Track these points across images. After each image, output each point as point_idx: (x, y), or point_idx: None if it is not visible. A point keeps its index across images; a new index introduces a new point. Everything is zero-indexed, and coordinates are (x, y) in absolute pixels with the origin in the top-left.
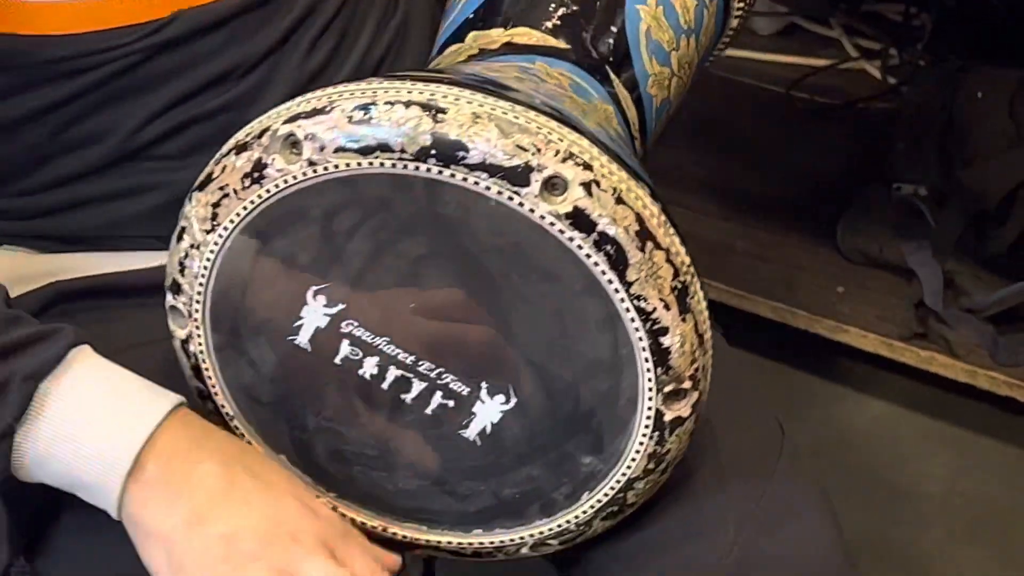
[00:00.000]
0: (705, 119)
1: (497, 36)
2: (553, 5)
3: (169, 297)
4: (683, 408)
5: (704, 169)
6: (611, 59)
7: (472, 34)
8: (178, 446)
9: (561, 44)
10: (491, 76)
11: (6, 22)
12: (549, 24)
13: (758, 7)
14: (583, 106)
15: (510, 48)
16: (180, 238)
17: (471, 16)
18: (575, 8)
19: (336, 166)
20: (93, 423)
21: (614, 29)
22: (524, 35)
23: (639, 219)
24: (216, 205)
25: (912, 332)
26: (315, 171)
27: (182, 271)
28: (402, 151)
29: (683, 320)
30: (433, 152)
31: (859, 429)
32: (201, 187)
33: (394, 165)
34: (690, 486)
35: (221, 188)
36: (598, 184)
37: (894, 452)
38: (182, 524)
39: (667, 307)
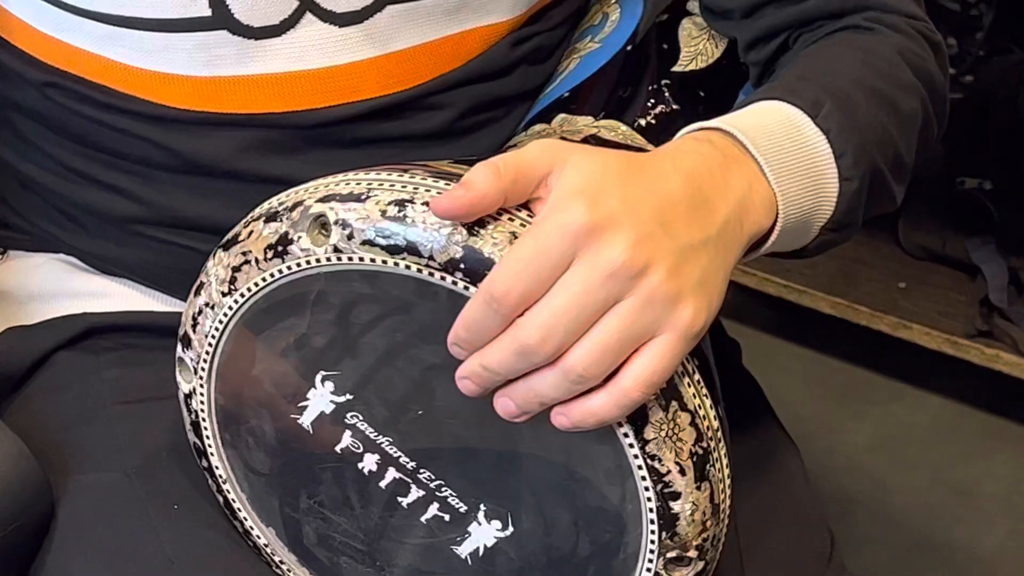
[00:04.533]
0: None
1: (584, 126)
2: (653, 101)
3: (179, 348)
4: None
5: None
6: None
7: (560, 116)
8: None
9: (647, 146)
10: None
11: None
12: (643, 121)
13: None
14: None
15: (594, 141)
16: (197, 292)
17: (565, 95)
18: (675, 107)
19: (361, 258)
20: None
21: None
22: (611, 129)
23: (668, 379)
24: (236, 269)
25: (976, 329)
26: (339, 258)
27: (195, 326)
28: (430, 258)
29: (698, 488)
30: (462, 266)
31: (920, 426)
32: (226, 247)
33: (420, 270)
34: None
35: (244, 253)
36: None
37: (956, 450)
38: None
39: (683, 472)
